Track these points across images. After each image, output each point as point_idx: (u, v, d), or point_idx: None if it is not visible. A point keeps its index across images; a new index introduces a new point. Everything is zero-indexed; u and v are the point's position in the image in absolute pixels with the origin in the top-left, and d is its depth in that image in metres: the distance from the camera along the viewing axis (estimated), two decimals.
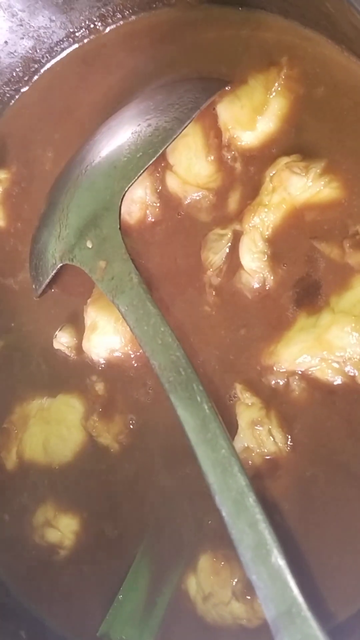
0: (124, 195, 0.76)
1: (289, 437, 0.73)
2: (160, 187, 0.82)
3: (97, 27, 0.92)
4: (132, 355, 0.79)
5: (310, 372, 0.73)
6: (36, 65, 0.94)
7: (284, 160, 0.76)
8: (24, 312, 0.87)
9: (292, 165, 0.75)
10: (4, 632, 0.79)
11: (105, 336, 0.79)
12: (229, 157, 0.80)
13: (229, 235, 0.78)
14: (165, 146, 0.76)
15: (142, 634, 0.74)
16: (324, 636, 0.60)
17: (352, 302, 0.72)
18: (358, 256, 0.73)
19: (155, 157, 0.76)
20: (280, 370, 0.74)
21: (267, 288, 0.76)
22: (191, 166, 0.80)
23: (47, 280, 0.82)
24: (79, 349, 0.81)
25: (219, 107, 0.80)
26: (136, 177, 0.76)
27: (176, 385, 0.69)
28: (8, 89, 0.94)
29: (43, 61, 0.94)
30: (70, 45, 0.93)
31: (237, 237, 0.77)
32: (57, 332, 0.82)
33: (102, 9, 0.90)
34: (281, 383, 0.74)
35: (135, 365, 0.79)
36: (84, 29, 0.92)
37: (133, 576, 0.75)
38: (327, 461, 0.72)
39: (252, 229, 0.76)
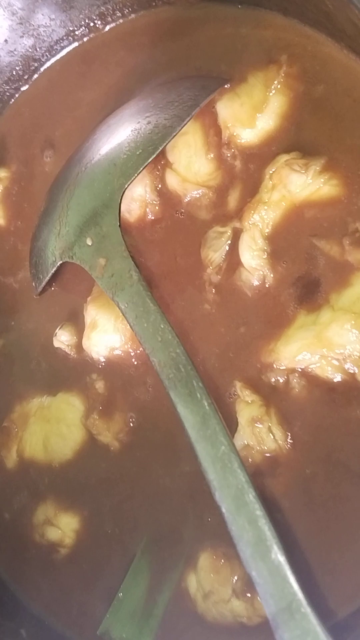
0: (123, 193, 0.76)
1: (289, 434, 0.73)
2: (160, 185, 0.82)
3: (97, 25, 0.92)
4: (132, 354, 0.79)
5: (310, 370, 0.73)
6: (36, 64, 0.94)
7: (284, 157, 0.76)
8: (24, 310, 0.86)
9: (291, 163, 0.75)
10: (5, 630, 0.79)
11: (105, 334, 0.79)
12: (228, 154, 0.80)
13: (228, 233, 0.78)
14: (165, 143, 0.76)
15: (142, 632, 0.74)
16: (324, 631, 0.60)
17: (352, 300, 0.72)
18: (358, 253, 0.73)
19: (154, 155, 0.76)
20: (280, 368, 0.74)
21: (266, 286, 0.76)
22: (191, 164, 0.80)
23: (47, 278, 0.82)
24: (79, 347, 0.81)
25: (218, 105, 0.80)
26: (136, 175, 0.76)
27: (176, 382, 0.69)
28: (8, 87, 0.94)
29: (43, 60, 0.94)
30: (70, 44, 0.93)
31: (236, 235, 0.77)
32: (57, 331, 0.82)
33: (102, 7, 0.90)
34: (281, 380, 0.74)
35: (135, 363, 0.79)
36: (83, 28, 0.92)
37: (133, 574, 0.75)
38: (327, 458, 0.72)
39: (251, 226, 0.76)
